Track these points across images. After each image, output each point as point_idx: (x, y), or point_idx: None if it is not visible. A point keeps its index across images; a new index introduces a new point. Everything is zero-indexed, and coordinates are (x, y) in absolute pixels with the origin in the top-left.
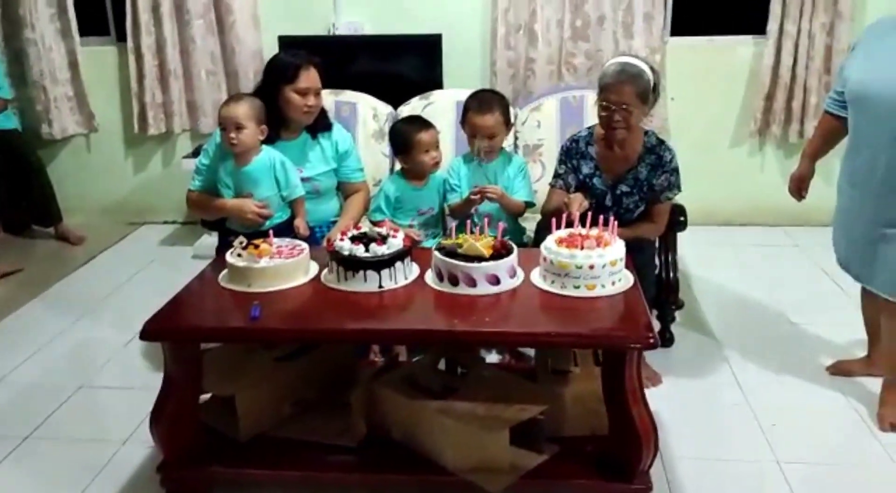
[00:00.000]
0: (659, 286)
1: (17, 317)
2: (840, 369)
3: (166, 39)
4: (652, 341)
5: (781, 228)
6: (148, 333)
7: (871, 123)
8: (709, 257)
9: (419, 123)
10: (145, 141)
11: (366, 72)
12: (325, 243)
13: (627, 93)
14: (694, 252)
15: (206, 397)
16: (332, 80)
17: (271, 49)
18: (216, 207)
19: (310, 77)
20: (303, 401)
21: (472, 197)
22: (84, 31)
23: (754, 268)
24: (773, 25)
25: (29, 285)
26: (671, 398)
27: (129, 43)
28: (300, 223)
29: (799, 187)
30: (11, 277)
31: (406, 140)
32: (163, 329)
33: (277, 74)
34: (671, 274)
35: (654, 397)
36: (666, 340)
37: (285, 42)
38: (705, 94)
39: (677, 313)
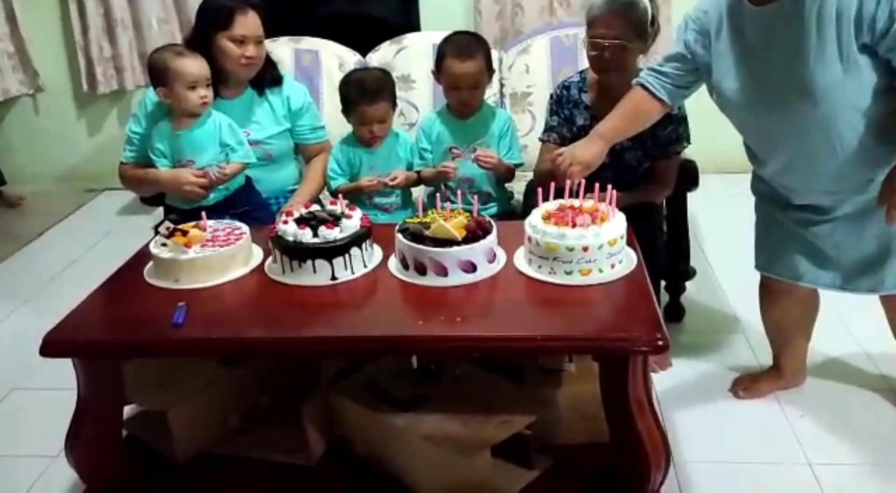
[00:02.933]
0: (667, 254)
1: None
2: (750, 390)
3: None
4: (661, 342)
5: None
6: (49, 347)
7: (778, 123)
8: (722, 210)
9: (366, 88)
10: (97, 100)
11: (333, 14)
12: (280, 218)
13: (619, 25)
14: (706, 206)
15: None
16: (296, 26)
17: None
18: (149, 180)
19: (247, 23)
20: (253, 410)
21: (444, 169)
22: None
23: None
24: None
25: None
26: (681, 385)
27: None
28: (225, 165)
29: (572, 175)
30: None
31: (345, 103)
32: (67, 343)
33: (209, 20)
34: (681, 240)
35: (662, 383)
36: (676, 314)
37: None
38: None
39: (688, 283)
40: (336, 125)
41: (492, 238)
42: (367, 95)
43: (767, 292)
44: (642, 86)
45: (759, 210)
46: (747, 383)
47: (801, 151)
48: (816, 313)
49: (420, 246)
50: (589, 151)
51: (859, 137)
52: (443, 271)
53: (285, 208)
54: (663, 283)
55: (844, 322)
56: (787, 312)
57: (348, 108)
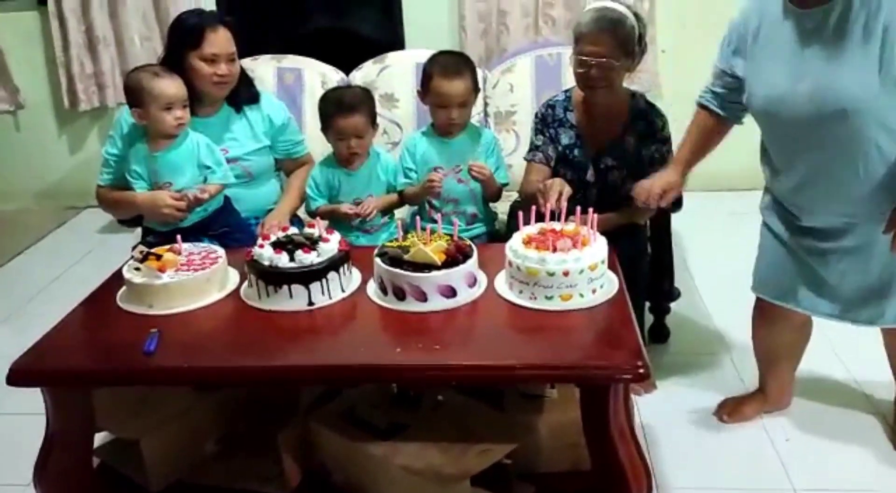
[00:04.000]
0: (652, 275)
1: None
2: (734, 414)
3: (92, 0)
4: (641, 370)
5: None
6: (16, 376)
7: (801, 134)
8: (707, 229)
9: (343, 102)
10: (78, 117)
11: (317, 31)
12: (259, 232)
13: (607, 43)
14: (690, 224)
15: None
16: (278, 43)
17: (211, 8)
18: (126, 203)
19: (218, 40)
20: (229, 437)
21: (430, 184)
22: None
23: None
24: None
25: None
26: (666, 409)
27: (51, 5)
28: (205, 186)
29: (652, 198)
30: None
31: (323, 119)
32: (35, 372)
33: (180, 40)
34: (665, 261)
35: (646, 407)
36: (660, 335)
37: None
38: (700, 44)
39: (673, 304)
40: (318, 144)
41: (472, 262)
42: (343, 108)
43: (762, 314)
44: (703, 106)
45: (765, 231)
46: (731, 407)
47: (821, 165)
48: (809, 339)
49: (398, 271)
50: (665, 176)
51: (885, 160)
52: (422, 297)
53: (265, 222)
54: (647, 304)
55: (833, 345)
56: (779, 336)
57: (326, 123)
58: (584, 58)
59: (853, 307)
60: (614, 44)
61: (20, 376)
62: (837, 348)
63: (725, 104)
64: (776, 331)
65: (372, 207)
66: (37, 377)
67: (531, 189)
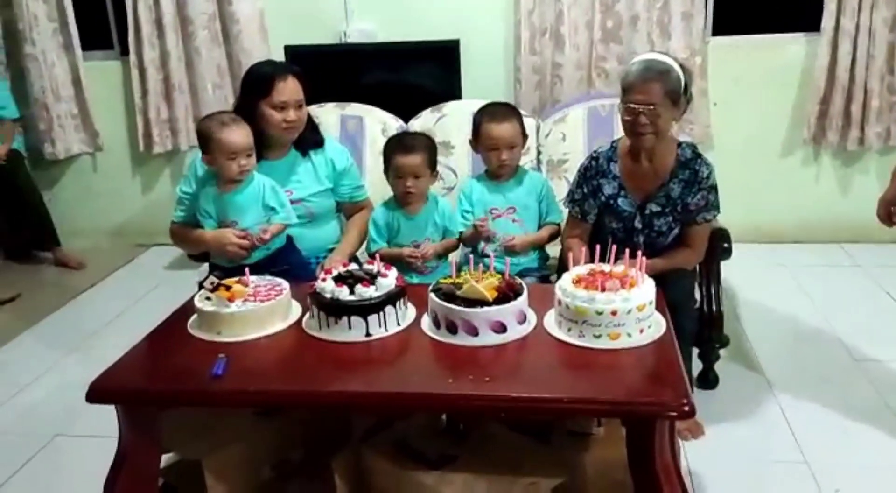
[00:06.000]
0: (701, 321)
1: (4, 351)
2: None
3: (170, 52)
4: (687, 408)
5: (839, 245)
6: (94, 394)
7: None
8: (757, 279)
9: (404, 143)
10: (152, 159)
11: (379, 82)
12: (319, 272)
13: (654, 92)
14: (740, 274)
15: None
16: (342, 92)
17: (280, 60)
18: (196, 240)
19: (287, 89)
20: (285, 463)
21: (479, 225)
22: (87, 45)
23: (809, 292)
24: (827, 22)
25: (24, 314)
26: (714, 454)
27: (132, 56)
28: (267, 228)
29: (889, 212)
30: (8, 304)
31: (385, 158)
32: (111, 390)
33: (251, 89)
34: (714, 308)
35: (695, 452)
36: (709, 382)
37: (292, 52)
38: (752, 98)
39: (722, 351)
40: (378, 189)
41: (522, 300)
42: (403, 147)
43: None
44: None
45: None
46: None
47: None
48: None
49: (452, 305)
50: (891, 190)
51: None
52: (473, 331)
53: (325, 264)
54: (696, 350)
55: None
56: None
57: (387, 163)
58: (633, 106)
59: None
60: (662, 92)
61: (98, 394)
62: None
63: None
64: None
65: (431, 251)
66: (113, 396)
67: (567, 246)
